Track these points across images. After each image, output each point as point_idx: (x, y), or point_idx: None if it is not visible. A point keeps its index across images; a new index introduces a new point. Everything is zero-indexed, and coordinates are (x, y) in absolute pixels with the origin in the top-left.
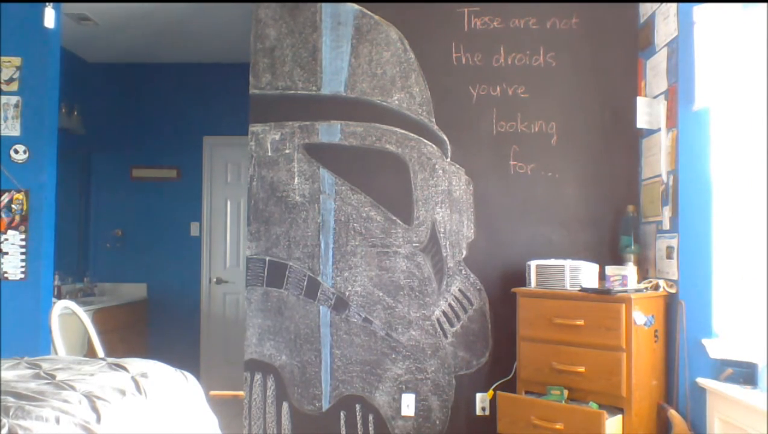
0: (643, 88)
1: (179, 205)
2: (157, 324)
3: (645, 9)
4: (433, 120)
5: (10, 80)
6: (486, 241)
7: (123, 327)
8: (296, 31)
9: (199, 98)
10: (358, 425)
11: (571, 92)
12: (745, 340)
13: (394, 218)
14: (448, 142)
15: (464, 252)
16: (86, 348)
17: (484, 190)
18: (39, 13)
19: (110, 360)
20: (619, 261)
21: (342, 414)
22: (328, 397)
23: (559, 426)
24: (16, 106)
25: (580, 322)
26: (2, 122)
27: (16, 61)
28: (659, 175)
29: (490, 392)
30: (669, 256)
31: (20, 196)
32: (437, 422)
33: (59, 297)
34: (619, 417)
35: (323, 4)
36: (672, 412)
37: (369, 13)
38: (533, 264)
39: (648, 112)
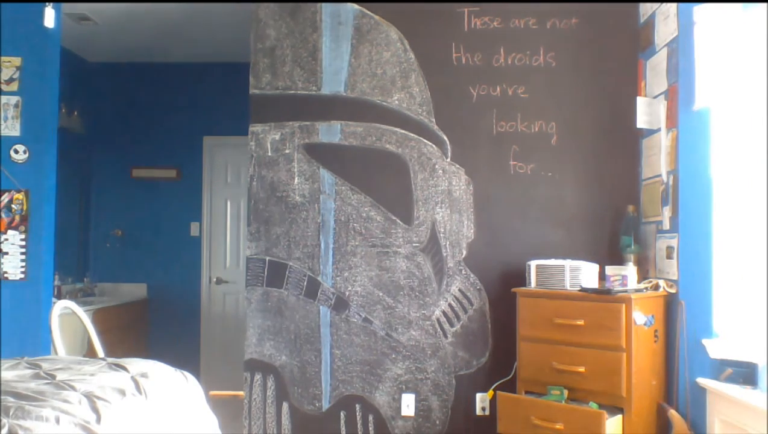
0: (643, 88)
1: (179, 205)
2: (157, 324)
3: (645, 9)
4: (433, 120)
5: (10, 80)
6: (486, 241)
7: (123, 327)
8: (296, 31)
9: (199, 98)
10: (358, 425)
11: (571, 92)
12: (745, 340)
13: (394, 218)
14: (448, 142)
15: (464, 252)
16: (86, 348)
17: (484, 190)
18: (39, 13)
19: (110, 360)
20: (619, 261)
21: (342, 414)
22: (328, 397)
23: (559, 426)
24: (16, 106)
25: (580, 322)
26: (2, 122)
27: (16, 61)
28: (659, 175)
29: (490, 392)
30: (669, 256)
31: (20, 196)
32: (437, 422)
33: (59, 297)
34: (619, 417)
35: (323, 4)
36: (672, 412)
37: (369, 13)
38: (533, 264)
39: (648, 112)
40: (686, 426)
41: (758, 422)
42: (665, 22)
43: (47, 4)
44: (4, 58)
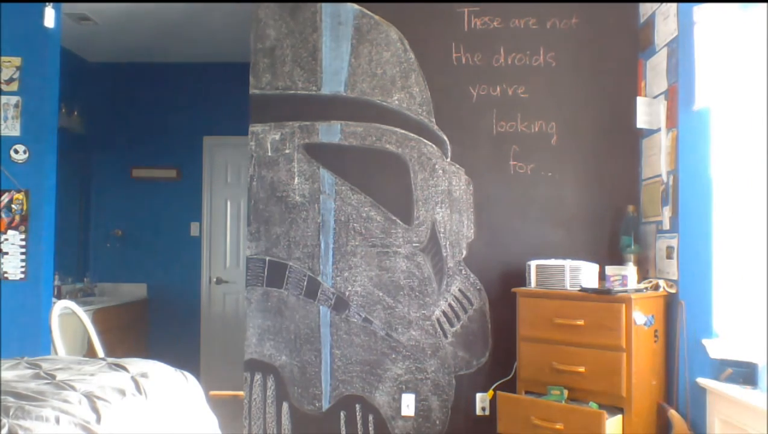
0: (643, 88)
1: (179, 205)
2: (157, 324)
3: (645, 9)
4: (433, 120)
5: (10, 80)
6: (486, 241)
7: (123, 327)
8: (296, 31)
9: (199, 98)
10: (358, 425)
11: (571, 92)
12: (745, 340)
13: (394, 218)
14: (448, 142)
15: (464, 252)
16: (86, 348)
17: (484, 190)
18: (39, 13)
19: (110, 360)
20: (619, 261)
21: (342, 414)
22: (328, 397)
23: (559, 426)
24: (16, 106)
25: (580, 322)
26: (2, 122)
27: (16, 61)
28: (659, 175)
29: (490, 392)
30: (669, 256)
31: (20, 196)
32: (437, 422)
33: (59, 297)
34: (619, 417)
35: (323, 4)
36: (672, 412)
37: (369, 13)
38: (533, 264)
39: (648, 112)
40: (686, 426)
41: (758, 422)
42: (665, 22)
43: (47, 4)
44: (4, 58)
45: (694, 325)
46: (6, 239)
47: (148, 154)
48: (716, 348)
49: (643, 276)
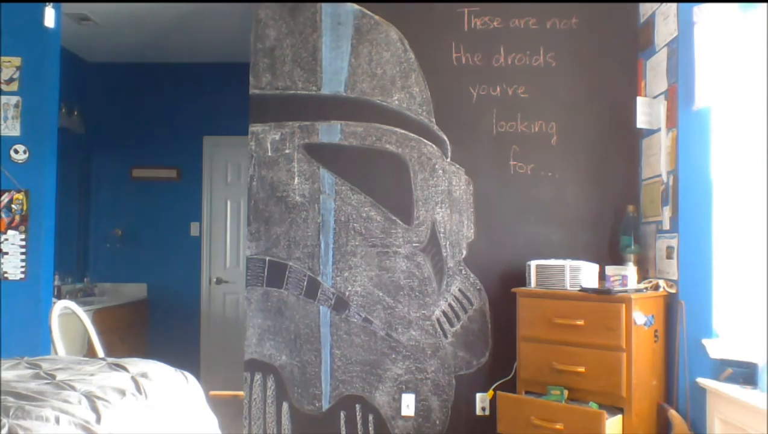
0: (643, 88)
1: (179, 205)
2: (157, 324)
3: (645, 9)
4: (433, 120)
5: (10, 80)
6: (486, 241)
7: (123, 327)
8: (296, 31)
9: (199, 98)
10: (358, 425)
11: (571, 92)
12: (745, 340)
13: (394, 218)
14: (448, 142)
15: (464, 252)
16: (86, 348)
17: (484, 190)
18: (39, 13)
19: (110, 360)
20: (619, 261)
21: (342, 414)
22: (328, 397)
23: (559, 426)
24: (16, 106)
25: (580, 322)
26: (2, 122)
27: (16, 61)
28: (659, 175)
29: (490, 392)
30: (669, 256)
31: (20, 196)
32: (437, 422)
33: (59, 297)
34: (619, 417)
35: (323, 4)
36: (672, 412)
37: (369, 13)
38: (533, 264)
39: (648, 112)
40: (686, 426)
41: (758, 422)
42: (665, 22)
43: (47, 4)
44: (4, 58)
45: (694, 325)
46: (6, 239)
47: (148, 154)
48: (716, 348)
49: (643, 276)
